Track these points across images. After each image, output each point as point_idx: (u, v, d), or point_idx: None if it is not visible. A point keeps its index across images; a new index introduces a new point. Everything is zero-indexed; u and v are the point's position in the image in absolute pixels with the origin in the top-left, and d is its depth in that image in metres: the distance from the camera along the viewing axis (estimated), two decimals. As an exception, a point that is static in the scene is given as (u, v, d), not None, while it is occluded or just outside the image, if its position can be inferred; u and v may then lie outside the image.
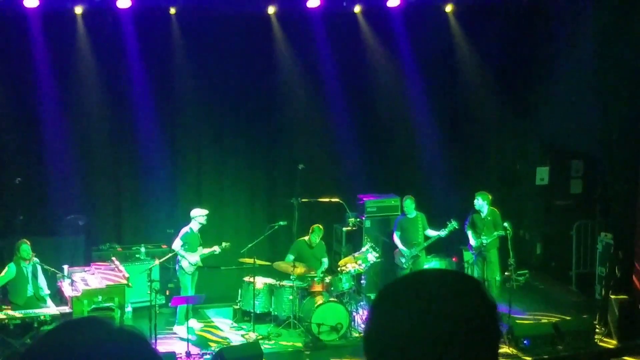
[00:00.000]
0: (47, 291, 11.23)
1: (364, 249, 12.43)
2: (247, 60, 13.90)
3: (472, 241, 12.57)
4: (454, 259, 13.80)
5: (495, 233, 12.41)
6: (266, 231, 12.53)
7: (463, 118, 15.33)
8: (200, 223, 12.00)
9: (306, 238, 12.40)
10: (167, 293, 12.64)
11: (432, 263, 13.28)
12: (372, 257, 12.29)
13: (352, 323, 11.73)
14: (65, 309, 10.91)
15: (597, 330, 11.66)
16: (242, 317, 12.28)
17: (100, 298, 10.91)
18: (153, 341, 10.46)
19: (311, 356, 11.29)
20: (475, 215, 12.57)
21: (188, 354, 10.79)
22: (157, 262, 11.73)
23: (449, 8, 14.53)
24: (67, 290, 11.09)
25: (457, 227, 12.45)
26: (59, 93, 13.05)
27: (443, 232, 12.55)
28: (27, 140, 13.18)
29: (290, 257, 12.20)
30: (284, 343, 11.59)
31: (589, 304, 13.00)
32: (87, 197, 13.39)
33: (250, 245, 11.99)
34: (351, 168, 14.40)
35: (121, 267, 11.65)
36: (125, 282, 11.21)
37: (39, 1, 12.25)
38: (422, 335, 1.63)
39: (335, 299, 11.71)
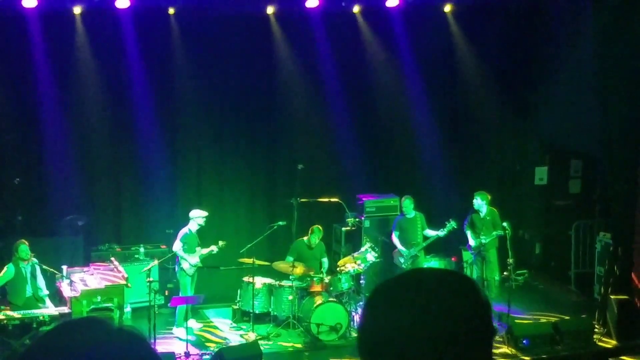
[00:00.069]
0: (46, 292, 11.22)
1: (363, 249, 12.43)
2: (246, 60, 13.91)
3: (471, 241, 12.57)
4: (453, 259, 13.80)
5: (495, 233, 12.41)
6: (265, 231, 12.53)
7: (462, 118, 15.34)
8: (198, 224, 11.98)
9: (305, 238, 12.40)
10: (166, 293, 12.65)
11: (431, 263, 13.27)
12: (371, 257, 12.29)
13: (352, 323, 11.71)
14: (64, 310, 10.90)
15: (596, 329, 11.66)
16: (242, 317, 12.27)
17: (99, 298, 10.90)
18: (152, 341, 10.45)
19: (310, 356, 11.28)
20: (474, 215, 12.57)
21: (187, 354, 10.79)
22: (155, 262, 11.72)
23: (447, 8, 14.53)
24: (66, 291, 11.08)
25: (456, 227, 12.45)
26: (57, 93, 13.05)
27: (442, 232, 12.55)
28: (26, 141, 13.18)
29: (290, 258, 12.18)
30: (283, 343, 11.58)
31: (588, 303, 13.00)
32: (86, 197, 13.39)
33: (249, 245, 11.99)
34: (350, 168, 14.40)
35: (120, 268, 11.64)
36: (124, 282, 11.20)
37: (37, 1, 12.24)
38: (417, 333, 1.63)
39: (335, 299, 11.71)
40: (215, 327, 12.33)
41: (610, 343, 11.41)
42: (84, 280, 11.20)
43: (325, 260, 12.48)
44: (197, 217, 11.98)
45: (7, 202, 12.85)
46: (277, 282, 12.09)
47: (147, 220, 13.76)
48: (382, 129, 14.86)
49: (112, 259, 12.10)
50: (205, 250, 11.99)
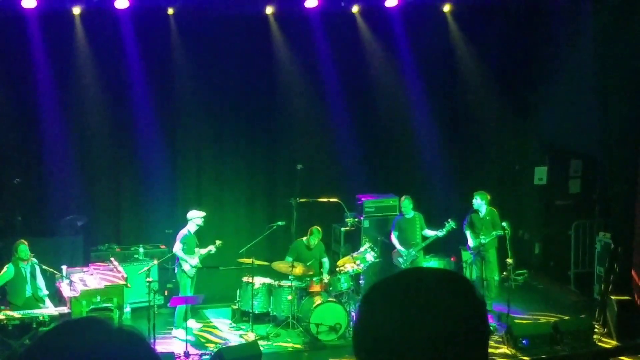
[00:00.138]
0: (45, 292, 11.22)
1: (362, 249, 12.43)
2: (245, 60, 13.90)
3: (471, 241, 12.57)
4: (452, 259, 13.80)
5: (494, 233, 12.41)
6: (265, 231, 12.53)
7: (462, 118, 15.33)
8: (197, 225, 11.97)
9: (304, 239, 12.39)
10: (166, 293, 12.65)
11: (430, 263, 13.27)
12: (371, 257, 12.29)
13: (351, 323, 11.71)
14: (64, 310, 10.90)
15: (596, 329, 11.66)
16: (241, 317, 12.27)
17: (98, 298, 10.91)
18: (152, 341, 10.45)
19: (310, 356, 11.29)
20: (473, 215, 12.57)
21: (187, 354, 10.80)
22: (155, 262, 11.71)
23: (447, 8, 14.53)
24: (66, 291, 11.08)
25: (455, 227, 12.45)
26: (57, 93, 13.05)
27: (441, 232, 12.55)
28: (26, 141, 13.18)
29: (289, 258, 12.18)
30: (283, 343, 11.58)
31: (588, 303, 13.00)
32: (86, 197, 13.39)
33: (249, 246, 11.99)
34: (350, 168, 14.40)
35: (120, 268, 11.64)
36: (123, 282, 11.20)
37: (36, 1, 12.24)
38: (413, 331, 1.63)
39: (334, 299, 11.71)
40: (215, 327, 12.33)
41: (610, 343, 11.41)
42: (84, 281, 11.20)
43: (325, 260, 12.48)
44: (195, 217, 11.98)
45: (7, 202, 12.85)
46: (277, 282, 12.09)
47: (146, 220, 13.76)
48: (381, 129, 14.85)
49: (112, 259, 12.10)
50: (203, 251, 11.98)
